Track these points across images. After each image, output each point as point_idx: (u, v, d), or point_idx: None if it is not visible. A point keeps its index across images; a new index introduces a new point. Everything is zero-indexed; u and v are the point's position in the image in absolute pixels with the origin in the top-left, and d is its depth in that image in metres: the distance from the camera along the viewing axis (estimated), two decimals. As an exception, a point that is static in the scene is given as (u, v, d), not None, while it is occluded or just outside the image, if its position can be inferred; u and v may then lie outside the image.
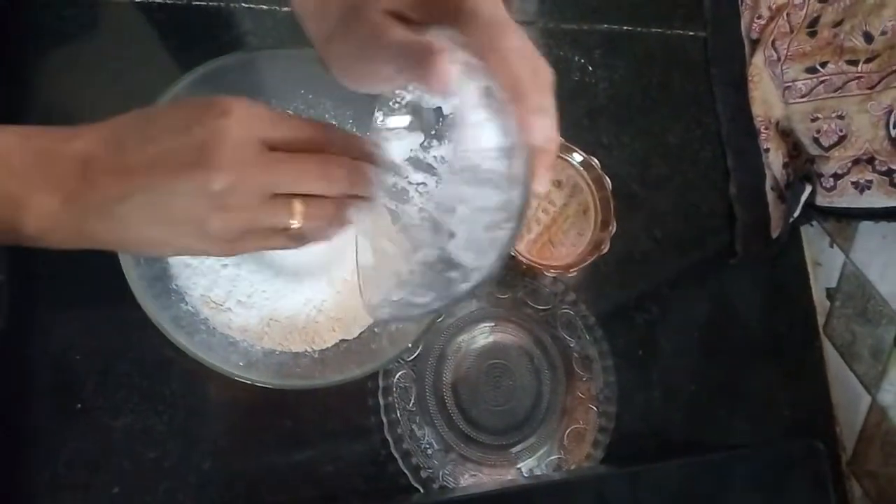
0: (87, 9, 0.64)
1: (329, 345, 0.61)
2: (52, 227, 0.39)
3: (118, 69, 0.64)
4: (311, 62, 0.60)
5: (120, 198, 0.38)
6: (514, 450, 0.69)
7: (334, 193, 0.42)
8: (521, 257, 0.68)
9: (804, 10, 0.83)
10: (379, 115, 0.45)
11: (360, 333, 0.62)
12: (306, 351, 0.60)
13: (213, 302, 0.58)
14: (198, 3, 0.65)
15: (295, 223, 0.41)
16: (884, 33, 0.76)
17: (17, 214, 0.38)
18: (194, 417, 0.61)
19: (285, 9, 0.67)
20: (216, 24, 0.64)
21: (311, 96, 0.63)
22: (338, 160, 0.42)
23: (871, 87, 0.76)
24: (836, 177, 0.78)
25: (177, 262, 0.57)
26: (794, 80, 0.83)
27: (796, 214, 0.80)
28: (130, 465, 0.58)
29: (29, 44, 0.62)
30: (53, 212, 0.38)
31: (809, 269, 0.86)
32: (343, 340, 0.61)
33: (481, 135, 0.39)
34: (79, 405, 0.58)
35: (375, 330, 0.62)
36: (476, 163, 0.40)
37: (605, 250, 0.71)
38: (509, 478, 0.67)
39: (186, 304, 0.57)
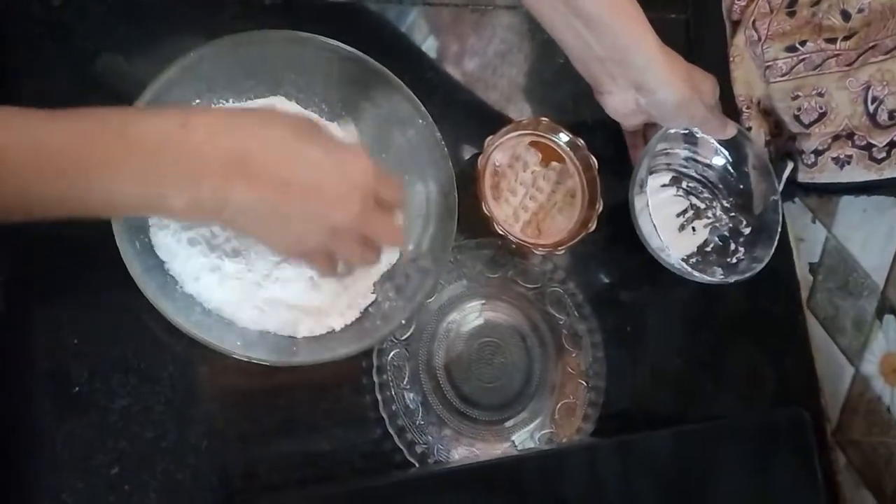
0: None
1: (325, 324, 0.62)
2: (197, 208, 0.46)
3: (107, 57, 0.64)
4: (301, 45, 0.61)
5: (272, 203, 0.47)
6: (506, 424, 0.70)
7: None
8: (510, 237, 0.70)
9: (783, -9, 0.85)
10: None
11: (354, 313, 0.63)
12: (301, 330, 0.61)
13: (209, 285, 0.58)
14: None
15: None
16: (860, 11, 0.77)
17: (164, 202, 0.45)
18: (192, 399, 0.61)
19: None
20: (205, 9, 0.64)
21: (301, 80, 0.64)
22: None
23: (850, 65, 0.77)
24: (817, 153, 0.80)
25: (172, 247, 0.58)
26: (774, 60, 0.85)
27: (779, 191, 0.81)
28: (128, 446, 0.59)
29: (18, 34, 0.63)
30: (203, 198, 0.45)
31: (792, 244, 0.88)
32: (338, 321, 0.62)
33: None
34: (76, 388, 0.58)
35: (369, 309, 0.64)
36: None
37: (593, 228, 0.73)
38: (501, 452, 0.68)
39: (183, 287, 0.58)
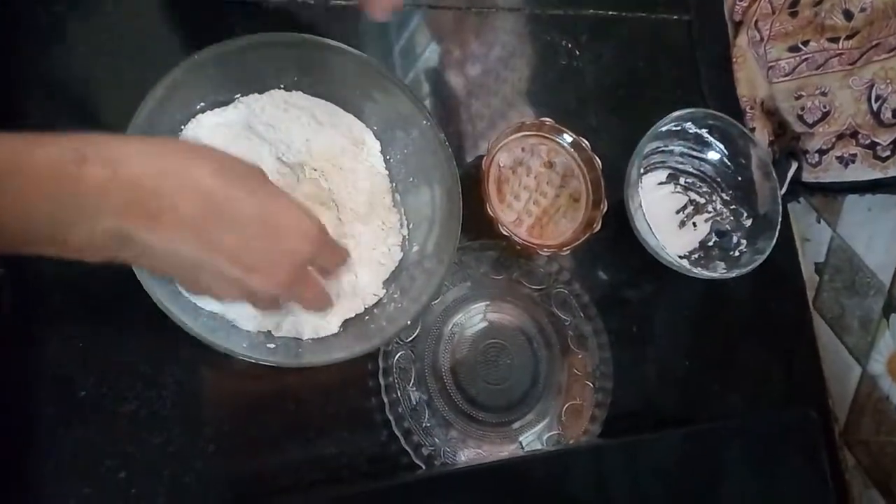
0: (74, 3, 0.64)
1: (330, 326, 0.61)
2: (94, 247, 0.41)
3: (108, 62, 0.64)
4: (306, 47, 0.61)
5: (181, 252, 0.42)
6: (513, 426, 0.70)
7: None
8: (515, 238, 0.70)
9: (785, -9, 0.85)
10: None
11: (359, 314, 0.63)
12: (307, 333, 0.61)
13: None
14: None
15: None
16: (863, 10, 0.78)
17: (57, 239, 0.39)
18: (199, 403, 0.61)
19: None
20: (210, 12, 0.65)
21: (305, 82, 0.64)
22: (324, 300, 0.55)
23: (853, 64, 0.77)
24: (822, 152, 0.80)
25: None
26: (777, 60, 0.85)
27: (783, 192, 0.81)
28: (136, 451, 0.59)
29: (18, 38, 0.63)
30: (101, 236, 0.40)
31: (798, 244, 0.88)
32: (344, 321, 0.62)
33: None
34: (83, 392, 0.58)
35: (374, 311, 0.64)
36: None
37: (597, 229, 0.72)
38: (509, 453, 0.68)
39: (185, 296, 0.58)
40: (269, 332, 0.59)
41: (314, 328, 0.61)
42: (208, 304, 0.57)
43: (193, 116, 0.60)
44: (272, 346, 0.59)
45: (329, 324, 0.61)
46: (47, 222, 0.38)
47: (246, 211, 0.42)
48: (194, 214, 0.40)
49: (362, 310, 0.63)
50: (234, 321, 0.58)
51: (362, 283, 0.64)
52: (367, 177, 0.66)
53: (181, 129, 0.60)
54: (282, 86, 0.64)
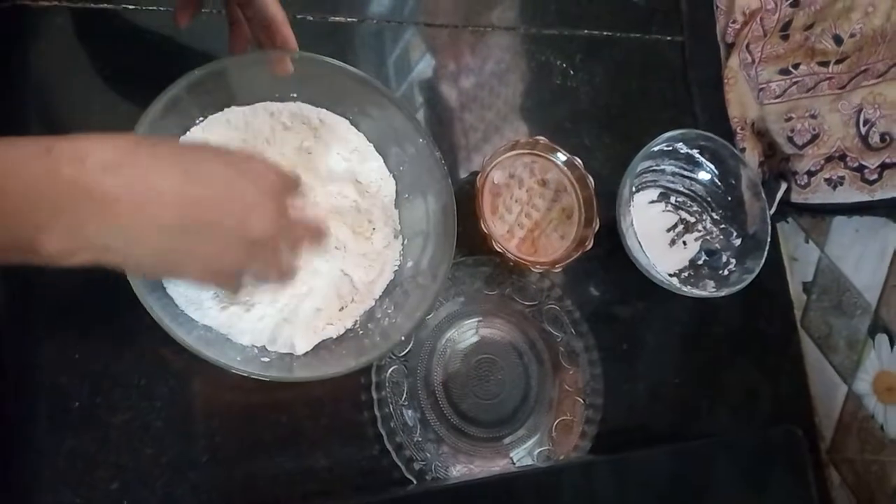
0: (80, 15, 0.65)
1: (324, 340, 0.62)
2: (80, 250, 0.39)
3: (107, 76, 0.65)
4: (302, 63, 0.62)
5: (179, 227, 0.41)
6: (504, 441, 0.70)
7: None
8: (508, 255, 0.70)
9: (776, 15, 0.86)
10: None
11: (354, 329, 0.64)
12: (301, 346, 0.61)
13: (207, 305, 0.59)
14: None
15: (274, 277, 0.52)
16: (852, 36, 0.79)
17: (38, 238, 0.38)
18: (192, 414, 0.62)
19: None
20: (211, 29, 0.65)
21: (302, 98, 0.65)
22: (316, 227, 0.54)
23: (842, 88, 0.79)
24: (810, 174, 0.81)
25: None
26: (768, 82, 0.86)
27: (772, 212, 0.83)
28: (129, 461, 0.59)
29: (24, 50, 0.63)
30: (88, 238, 0.39)
31: (786, 264, 0.89)
32: (337, 336, 0.63)
33: None
34: (77, 403, 0.58)
35: (369, 325, 0.64)
36: None
37: (590, 247, 0.73)
38: (500, 468, 0.69)
39: (180, 308, 0.59)
40: (264, 346, 0.60)
41: (309, 341, 0.61)
42: (209, 295, 0.58)
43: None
44: (266, 359, 0.60)
45: (326, 330, 0.62)
46: (25, 226, 0.37)
47: (221, 170, 0.44)
48: (184, 190, 0.41)
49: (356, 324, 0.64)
50: (229, 335, 0.59)
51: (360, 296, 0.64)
52: (374, 185, 0.67)
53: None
54: (277, 94, 0.65)
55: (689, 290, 0.76)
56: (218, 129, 0.62)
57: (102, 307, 0.60)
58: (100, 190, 0.38)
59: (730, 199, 0.82)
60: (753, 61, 0.87)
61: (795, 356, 0.87)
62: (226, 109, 0.62)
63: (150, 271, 0.48)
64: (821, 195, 0.81)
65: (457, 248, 0.64)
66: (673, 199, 0.84)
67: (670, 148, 0.80)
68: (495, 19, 0.82)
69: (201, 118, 0.61)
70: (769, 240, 0.78)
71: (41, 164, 0.36)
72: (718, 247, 0.82)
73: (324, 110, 0.66)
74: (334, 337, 0.63)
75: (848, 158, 0.78)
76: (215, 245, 0.44)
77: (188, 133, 0.61)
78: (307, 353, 0.61)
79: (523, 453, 0.71)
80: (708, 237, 0.83)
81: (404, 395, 0.67)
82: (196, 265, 0.45)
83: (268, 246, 0.47)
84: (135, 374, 0.60)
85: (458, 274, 0.71)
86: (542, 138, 0.76)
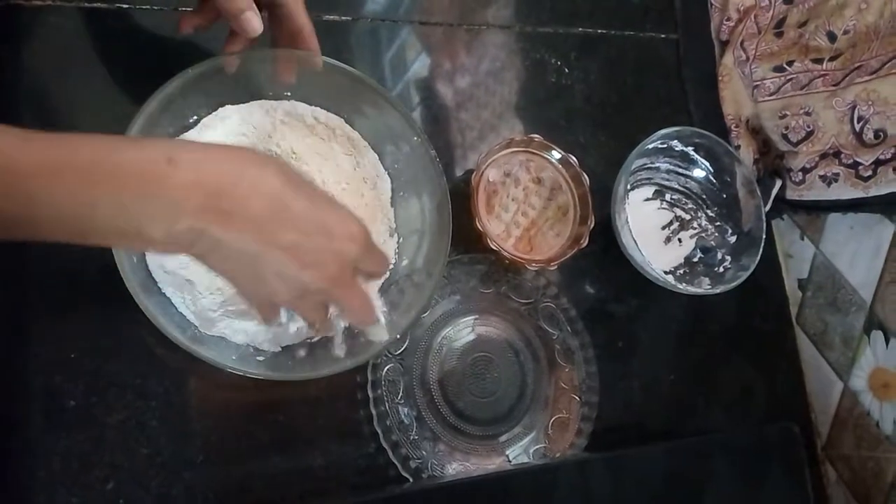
0: (74, 14, 0.65)
1: (319, 339, 0.62)
2: (172, 242, 0.43)
3: (101, 76, 0.65)
4: (297, 62, 0.62)
5: (249, 248, 0.44)
6: (500, 439, 0.70)
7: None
8: (504, 253, 0.70)
9: (771, 12, 0.86)
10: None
11: (350, 327, 0.63)
12: (297, 346, 0.61)
13: (201, 308, 0.59)
14: (184, 9, 0.67)
15: (314, 327, 0.59)
16: (846, 32, 0.79)
17: (141, 234, 0.42)
18: (187, 414, 0.61)
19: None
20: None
21: (297, 96, 0.65)
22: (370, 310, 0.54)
23: (836, 84, 0.79)
24: (805, 171, 0.81)
25: (163, 278, 0.58)
26: (762, 79, 0.86)
27: (767, 209, 0.83)
28: (124, 461, 0.59)
29: (19, 49, 0.63)
30: (180, 232, 0.42)
31: (781, 261, 0.89)
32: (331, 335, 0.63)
33: None
34: (72, 402, 0.58)
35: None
36: None
37: (585, 244, 0.73)
38: (496, 466, 0.69)
39: (176, 308, 0.59)
40: (259, 345, 0.60)
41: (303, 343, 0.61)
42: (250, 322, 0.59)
43: (186, 130, 0.61)
44: (261, 358, 0.60)
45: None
46: (130, 217, 0.41)
47: (305, 212, 0.45)
48: (261, 214, 0.44)
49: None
50: (224, 334, 0.59)
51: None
52: (370, 182, 0.67)
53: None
54: (270, 93, 0.65)
55: (684, 288, 0.76)
56: (216, 125, 0.62)
57: (98, 307, 0.60)
58: (194, 193, 0.41)
59: (725, 196, 0.82)
60: (748, 58, 0.87)
61: (791, 353, 0.88)
62: (220, 109, 0.62)
63: (223, 275, 0.50)
64: (815, 192, 0.81)
65: (452, 246, 0.64)
66: (668, 197, 0.84)
67: (665, 145, 0.80)
68: (490, 17, 0.82)
69: (195, 117, 0.61)
70: (764, 237, 0.78)
71: (165, 170, 0.41)
72: (713, 244, 0.82)
73: (318, 108, 0.66)
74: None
75: (842, 155, 0.78)
76: (269, 281, 0.47)
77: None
78: (303, 352, 0.61)
79: (519, 451, 0.71)
80: (703, 234, 0.83)
81: (400, 394, 0.67)
82: (250, 289, 0.49)
83: (317, 299, 0.49)
84: (130, 373, 0.60)
85: (453, 272, 0.71)
86: (536, 136, 0.76)
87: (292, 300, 0.49)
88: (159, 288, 0.58)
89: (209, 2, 0.58)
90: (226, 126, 0.62)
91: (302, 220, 0.45)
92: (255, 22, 0.55)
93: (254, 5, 0.55)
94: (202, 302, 0.58)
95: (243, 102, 0.63)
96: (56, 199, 0.40)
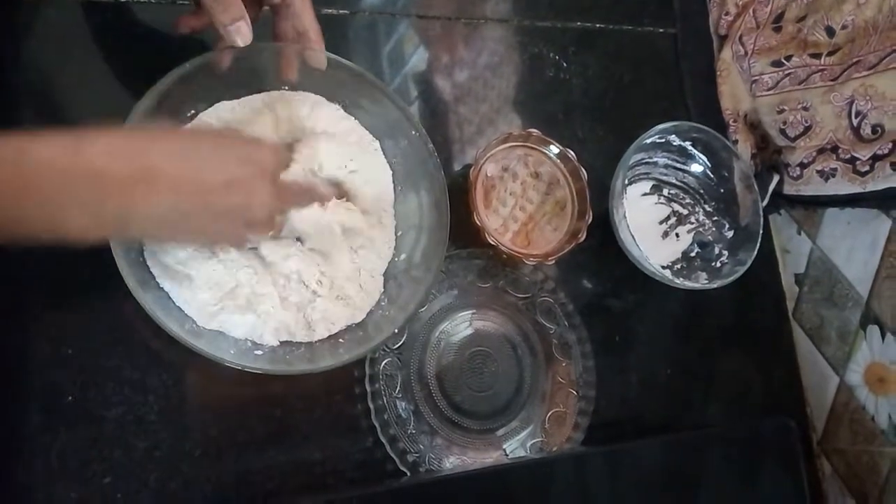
0: (73, 8, 0.65)
1: (317, 334, 0.62)
2: (101, 228, 0.45)
3: (99, 69, 0.65)
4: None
5: (184, 208, 0.46)
6: (497, 433, 0.71)
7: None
8: (501, 247, 0.70)
9: (769, 7, 0.86)
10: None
11: (347, 323, 0.64)
12: (295, 341, 0.61)
13: (199, 303, 0.59)
14: (182, 2, 0.67)
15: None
16: (844, 27, 0.79)
17: (65, 220, 0.43)
18: (185, 408, 0.62)
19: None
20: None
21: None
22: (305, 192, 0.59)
23: (834, 79, 0.79)
24: (802, 166, 0.81)
25: (161, 272, 0.58)
26: (760, 74, 0.86)
27: (765, 203, 0.83)
28: (122, 455, 0.59)
29: (17, 43, 0.63)
30: (107, 217, 0.44)
31: (778, 255, 0.90)
32: (330, 330, 0.63)
33: None
34: (70, 397, 0.58)
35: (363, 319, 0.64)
36: None
37: (582, 239, 0.73)
38: (493, 460, 0.69)
39: (174, 303, 0.58)
40: (257, 339, 0.60)
41: (305, 335, 0.61)
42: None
43: (183, 125, 0.61)
44: (259, 353, 0.60)
45: (334, 325, 0.63)
46: (51, 209, 0.42)
47: (222, 154, 0.48)
48: (188, 175, 0.46)
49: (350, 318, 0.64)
50: (222, 328, 0.59)
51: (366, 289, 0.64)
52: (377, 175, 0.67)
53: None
54: (268, 87, 0.64)
55: (681, 283, 0.76)
56: (211, 120, 0.62)
57: (95, 302, 0.60)
58: (110, 174, 0.43)
59: (722, 191, 0.82)
60: (746, 53, 0.87)
61: (787, 348, 0.88)
62: (216, 105, 0.62)
63: (160, 240, 0.54)
64: (813, 187, 0.81)
65: (450, 240, 0.64)
66: (665, 192, 0.84)
67: (663, 140, 0.80)
68: (488, 11, 0.82)
69: (192, 111, 0.61)
70: (761, 232, 0.78)
71: (69, 159, 0.42)
72: (711, 239, 0.82)
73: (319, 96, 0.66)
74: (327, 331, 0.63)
75: (840, 150, 0.78)
76: (214, 227, 0.50)
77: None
78: (301, 346, 0.61)
79: (516, 445, 0.71)
80: (700, 229, 0.83)
81: (398, 388, 0.67)
82: (198, 241, 0.54)
83: (265, 220, 0.52)
84: (128, 368, 0.60)
85: (451, 267, 0.71)
86: (534, 131, 0.76)
87: (243, 230, 0.52)
88: (157, 283, 0.58)
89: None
90: (221, 120, 0.62)
91: (222, 160, 0.48)
92: (244, 31, 0.56)
93: (246, 14, 0.55)
94: (201, 296, 0.58)
95: (240, 97, 0.63)
96: None
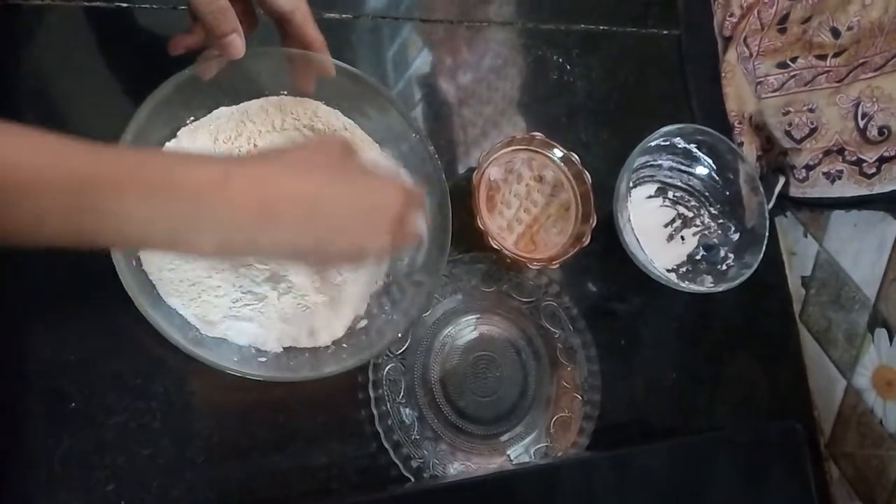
0: (73, 13, 0.65)
1: (320, 340, 0.62)
2: (225, 252, 0.48)
3: (99, 75, 0.65)
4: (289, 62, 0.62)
5: (304, 247, 0.47)
6: (502, 439, 0.70)
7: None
8: (505, 251, 0.70)
9: (774, 8, 0.86)
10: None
11: (349, 328, 0.63)
12: (298, 347, 0.61)
13: (202, 311, 0.59)
14: (183, 7, 0.66)
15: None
16: (850, 28, 0.79)
17: (194, 244, 0.44)
18: (187, 415, 0.61)
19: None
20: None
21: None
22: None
23: (840, 81, 0.78)
24: (808, 168, 0.81)
25: (163, 280, 0.58)
26: (765, 76, 0.86)
27: (770, 206, 0.82)
28: (125, 463, 0.59)
29: (18, 48, 0.63)
30: (234, 243, 0.45)
31: (785, 258, 0.89)
32: (333, 336, 0.62)
33: None
34: (72, 404, 0.58)
35: (366, 323, 0.64)
36: None
37: (587, 243, 0.73)
38: (497, 466, 0.69)
39: (176, 311, 0.58)
40: (261, 346, 0.60)
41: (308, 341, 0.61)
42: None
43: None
44: (263, 359, 0.59)
45: (335, 329, 0.62)
46: (185, 229, 0.43)
47: (349, 197, 0.48)
48: (311, 218, 0.47)
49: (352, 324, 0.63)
50: (226, 336, 0.59)
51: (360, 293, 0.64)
52: None
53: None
54: (267, 92, 0.64)
55: (687, 286, 0.75)
56: (209, 126, 0.62)
57: (98, 309, 0.60)
58: (243, 211, 0.44)
59: (728, 193, 0.82)
60: (751, 55, 0.87)
61: (794, 351, 0.87)
62: (215, 111, 0.62)
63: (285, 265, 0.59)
64: (819, 189, 0.80)
65: (454, 244, 0.64)
66: (670, 195, 0.83)
67: (667, 143, 0.79)
68: (492, 14, 0.82)
69: (192, 118, 0.61)
70: (767, 234, 0.77)
71: (215, 192, 0.43)
72: (716, 242, 0.82)
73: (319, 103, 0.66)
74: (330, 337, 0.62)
75: (846, 152, 0.77)
76: (332, 263, 0.57)
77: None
78: (304, 353, 0.61)
79: (521, 450, 0.70)
80: (706, 232, 0.83)
81: (402, 393, 0.67)
82: (315, 268, 0.59)
83: (375, 256, 0.55)
84: (130, 374, 0.60)
85: (455, 271, 0.71)
86: (538, 134, 0.75)
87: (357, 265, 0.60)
88: (159, 292, 0.58)
89: (200, 22, 0.57)
90: (219, 127, 0.62)
91: (347, 204, 0.48)
92: (238, 44, 0.56)
93: (239, 27, 0.55)
94: (204, 304, 0.58)
95: (239, 103, 0.63)
96: (123, 211, 0.41)
